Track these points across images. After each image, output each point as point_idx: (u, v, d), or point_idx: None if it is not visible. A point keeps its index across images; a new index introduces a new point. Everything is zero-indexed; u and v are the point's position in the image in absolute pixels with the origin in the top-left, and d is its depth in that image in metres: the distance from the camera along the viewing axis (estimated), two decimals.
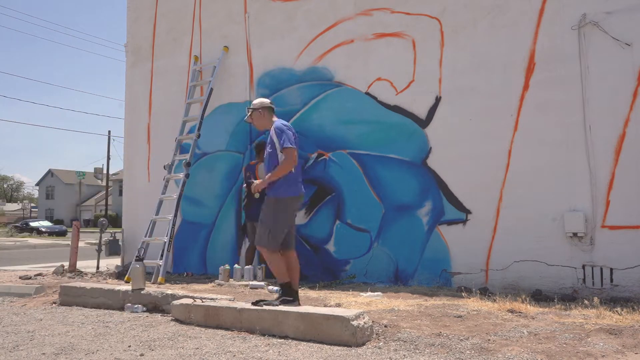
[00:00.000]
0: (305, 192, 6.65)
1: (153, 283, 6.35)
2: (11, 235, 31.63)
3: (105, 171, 43.48)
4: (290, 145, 4.30)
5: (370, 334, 3.58)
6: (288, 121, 6.90)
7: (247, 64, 7.47)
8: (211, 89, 7.51)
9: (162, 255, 6.70)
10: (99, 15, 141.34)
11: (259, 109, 4.54)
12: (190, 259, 7.72)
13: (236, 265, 6.62)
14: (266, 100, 4.64)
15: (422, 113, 6.05)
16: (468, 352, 3.18)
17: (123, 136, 9.15)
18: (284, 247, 4.36)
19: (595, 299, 4.52)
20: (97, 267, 8.21)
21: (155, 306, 4.91)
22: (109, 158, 40.63)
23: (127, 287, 5.32)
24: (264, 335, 3.80)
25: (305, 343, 3.56)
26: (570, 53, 5.27)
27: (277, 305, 4.02)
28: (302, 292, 5.44)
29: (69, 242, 9.07)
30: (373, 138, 6.34)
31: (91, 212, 55.05)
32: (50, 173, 63.05)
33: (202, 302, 4.37)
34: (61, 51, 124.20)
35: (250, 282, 6.07)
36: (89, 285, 5.60)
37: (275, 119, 4.57)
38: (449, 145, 5.85)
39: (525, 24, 5.51)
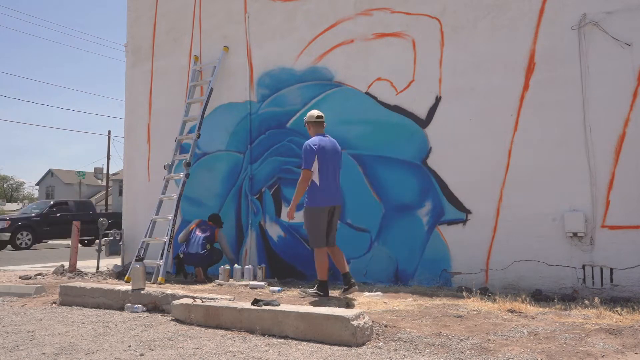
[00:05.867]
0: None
1: (153, 283, 6.36)
2: None
3: (105, 171, 43.45)
4: (304, 167, 5.04)
5: (370, 334, 3.58)
6: (288, 121, 7.01)
7: (247, 64, 7.46)
8: (211, 89, 7.51)
9: (162, 255, 6.71)
10: (99, 15, 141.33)
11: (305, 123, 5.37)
12: None
13: (236, 265, 6.62)
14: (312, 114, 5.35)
15: (422, 113, 6.05)
16: (468, 352, 3.19)
17: (123, 136, 9.15)
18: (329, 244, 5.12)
19: (595, 299, 4.53)
20: (97, 267, 8.21)
21: (155, 306, 4.91)
22: (109, 158, 40.55)
23: (127, 287, 5.33)
24: (264, 335, 3.80)
25: (305, 343, 3.56)
26: (570, 53, 5.26)
27: (277, 304, 4.03)
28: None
29: (69, 242, 9.07)
30: (373, 138, 6.34)
31: None
32: (50, 173, 63.00)
33: (202, 302, 4.37)
34: (61, 51, 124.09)
35: (250, 282, 6.07)
36: (89, 285, 5.61)
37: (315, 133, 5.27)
38: (449, 145, 5.85)
39: (525, 24, 5.51)
